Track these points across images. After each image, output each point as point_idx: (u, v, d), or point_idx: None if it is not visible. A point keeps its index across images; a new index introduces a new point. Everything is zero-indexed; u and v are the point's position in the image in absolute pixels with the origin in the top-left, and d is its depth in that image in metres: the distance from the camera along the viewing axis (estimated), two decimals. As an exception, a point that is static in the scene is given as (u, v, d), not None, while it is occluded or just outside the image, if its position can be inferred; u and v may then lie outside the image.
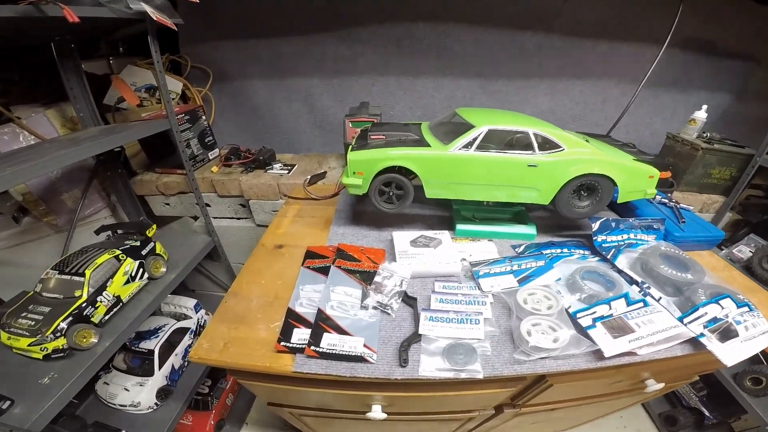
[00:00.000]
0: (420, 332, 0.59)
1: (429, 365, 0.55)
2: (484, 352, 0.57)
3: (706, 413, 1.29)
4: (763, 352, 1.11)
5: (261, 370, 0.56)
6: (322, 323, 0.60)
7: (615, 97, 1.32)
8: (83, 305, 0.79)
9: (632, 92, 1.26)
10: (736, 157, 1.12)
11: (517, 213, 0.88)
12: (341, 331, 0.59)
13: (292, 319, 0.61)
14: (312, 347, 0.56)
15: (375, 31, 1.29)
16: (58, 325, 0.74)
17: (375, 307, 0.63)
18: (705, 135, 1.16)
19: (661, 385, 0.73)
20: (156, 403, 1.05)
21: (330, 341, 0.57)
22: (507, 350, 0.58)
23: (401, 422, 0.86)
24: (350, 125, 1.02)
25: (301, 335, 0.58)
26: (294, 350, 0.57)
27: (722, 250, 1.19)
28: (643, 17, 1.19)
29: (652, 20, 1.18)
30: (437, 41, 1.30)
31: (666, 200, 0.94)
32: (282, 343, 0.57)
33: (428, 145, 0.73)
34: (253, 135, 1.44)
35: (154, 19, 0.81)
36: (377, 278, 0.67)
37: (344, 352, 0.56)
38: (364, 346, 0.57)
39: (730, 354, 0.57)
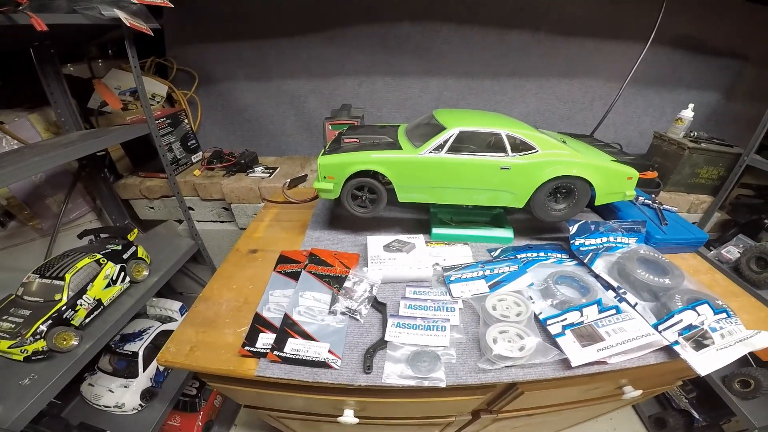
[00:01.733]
0: (386, 339, 0.58)
1: (392, 372, 0.55)
2: (449, 360, 0.56)
3: (696, 415, 1.28)
4: (751, 354, 1.11)
5: (225, 373, 0.56)
6: (287, 328, 0.59)
7: (603, 96, 1.30)
8: (63, 308, 0.80)
9: (619, 91, 1.24)
10: (724, 157, 1.11)
11: (496, 216, 0.87)
12: (307, 336, 0.59)
13: (259, 324, 0.61)
14: (275, 352, 0.56)
15: (361, 32, 1.28)
16: (38, 327, 0.75)
17: (343, 313, 0.63)
18: (692, 134, 1.15)
19: (639, 392, 0.72)
20: (140, 405, 1.06)
21: (294, 346, 0.57)
22: (473, 358, 0.57)
23: (379, 427, 0.86)
24: (330, 128, 1.01)
25: (266, 340, 0.58)
26: (258, 355, 0.56)
27: (711, 250, 1.17)
28: (629, 15, 1.18)
29: (638, 18, 1.17)
30: (424, 41, 1.29)
31: (649, 201, 0.93)
32: (246, 348, 0.57)
33: (401, 149, 0.72)
34: (239, 138, 1.44)
35: (128, 24, 0.81)
36: (347, 283, 0.67)
37: (308, 358, 0.56)
38: (329, 351, 0.57)
39: (704, 363, 0.56)
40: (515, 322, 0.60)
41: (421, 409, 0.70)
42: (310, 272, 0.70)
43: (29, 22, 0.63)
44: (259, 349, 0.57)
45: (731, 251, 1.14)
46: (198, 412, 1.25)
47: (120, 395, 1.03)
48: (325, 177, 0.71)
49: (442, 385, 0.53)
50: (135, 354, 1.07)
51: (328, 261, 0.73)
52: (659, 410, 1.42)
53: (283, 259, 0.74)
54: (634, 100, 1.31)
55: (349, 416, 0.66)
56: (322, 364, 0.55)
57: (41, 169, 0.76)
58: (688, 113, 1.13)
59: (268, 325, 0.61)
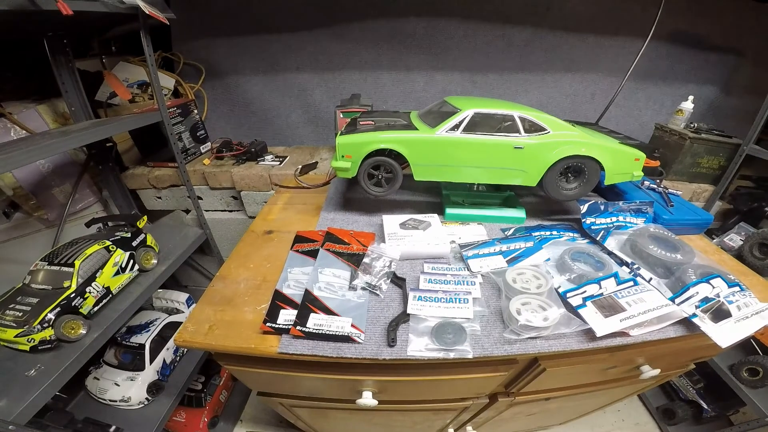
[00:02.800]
0: (408, 312, 0.58)
1: (417, 345, 0.54)
2: (473, 332, 0.56)
3: (704, 406, 1.28)
4: (758, 341, 1.12)
5: (246, 351, 0.55)
6: (309, 304, 0.59)
7: (604, 89, 1.33)
8: (72, 296, 0.78)
9: (620, 85, 1.27)
10: (724, 147, 1.13)
11: (507, 198, 0.88)
12: (328, 311, 0.59)
13: (279, 300, 0.61)
14: (298, 327, 0.55)
15: (367, 27, 1.30)
16: (46, 315, 0.73)
17: (363, 288, 0.63)
18: (693, 125, 1.18)
19: (657, 371, 0.72)
20: (147, 398, 1.03)
21: (317, 321, 0.57)
22: (497, 330, 0.57)
23: (394, 412, 0.85)
24: (341, 116, 1.03)
25: (287, 316, 0.58)
26: (280, 331, 0.56)
27: (713, 239, 1.19)
28: (629, 11, 1.21)
29: (637, 13, 1.20)
30: (429, 36, 1.32)
31: (655, 186, 0.95)
32: (268, 324, 0.56)
33: (417, 129, 0.74)
34: (246, 130, 1.44)
35: (147, 12, 0.81)
36: (366, 259, 0.67)
37: (331, 332, 0.55)
38: (352, 326, 0.56)
39: (724, 335, 0.55)
40: (536, 294, 0.60)
41: (441, 389, 0.70)
42: (328, 250, 0.70)
43: (55, 7, 0.64)
44: (280, 325, 0.57)
45: (734, 239, 1.15)
46: (204, 407, 1.23)
47: (126, 389, 1.01)
48: (343, 156, 0.71)
49: (469, 356, 0.53)
50: (142, 346, 1.05)
51: (345, 239, 0.73)
52: (666, 401, 1.42)
53: (299, 239, 0.74)
54: (634, 94, 1.34)
55: (367, 398, 0.65)
56: (346, 339, 0.55)
57: (55, 152, 0.76)
58: (688, 105, 1.16)
59: (289, 302, 0.61)
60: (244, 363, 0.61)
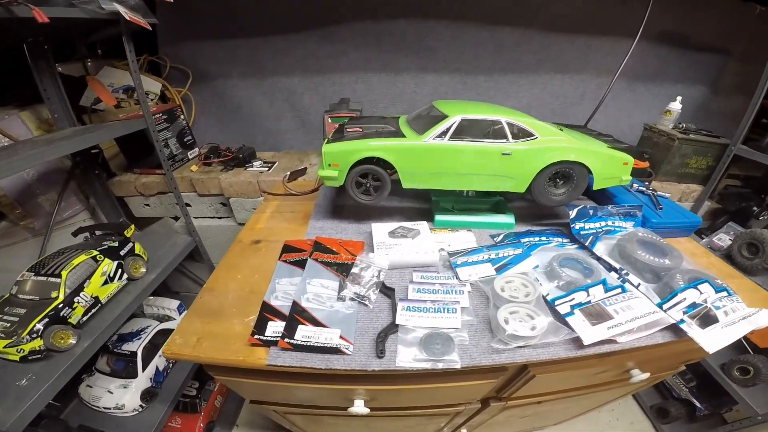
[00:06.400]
0: (397, 322, 0.58)
1: (406, 356, 0.54)
2: (461, 342, 0.56)
3: (698, 404, 1.29)
4: (748, 341, 1.14)
5: (234, 364, 0.55)
6: (297, 315, 0.59)
7: (593, 90, 1.33)
8: (60, 306, 0.77)
9: (609, 86, 1.28)
10: (712, 147, 1.14)
11: (496, 203, 0.88)
12: (317, 323, 0.58)
13: (267, 312, 0.61)
14: (285, 339, 0.55)
15: (356, 29, 1.29)
16: (34, 326, 0.73)
17: (352, 299, 0.63)
18: (681, 126, 1.18)
19: (647, 375, 0.72)
20: (141, 405, 1.03)
21: (305, 333, 0.56)
22: (485, 339, 0.57)
23: (387, 418, 0.86)
24: (329, 121, 1.02)
25: (275, 328, 0.58)
26: (268, 343, 0.56)
27: (703, 239, 1.20)
28: (617, 12, 1.21)
29: (626, 14, 1.20)
30: (418, 38, 1.31)
31: (643, 188, 0.95)
32: (256, 336, 0.56)
33: (404, 136, 0.73)
34: (234, 134, 1.43)
35: (128, 19, 0.80)
36: (354, 269, 0.67)
37: (319, 344, 0.55)
38: (340, 337, 0.56)
39: (711, 340, 0.56)
40: (524, 303, 0.60)
41: (432, 396, 0.70)
42: (316, 260, 0.69)
43: (30, 15, 0.62)
44: (269, 338, 0.56)
45: (722, 239, 1.17)
46: (199, 413, 1.23)
47: (120, 396, 1.01)
48: (329, 164, 0.71)
49: (457, 366, 0.53)
50: (134, 354, 1.04)
51: (334, 249, 0.72)
52: (660, 400, 1.43)
53: (287, 248, 0.74)
54: (623, 94, 1.35)
55: (359, 406, 0.65)
56: (334, 350, 0.55)
57: (39, 162, 0.75)
58: (676, 105, 1.17)
59: (277, 313, 0.60)
60: (233, 374, 0.61)
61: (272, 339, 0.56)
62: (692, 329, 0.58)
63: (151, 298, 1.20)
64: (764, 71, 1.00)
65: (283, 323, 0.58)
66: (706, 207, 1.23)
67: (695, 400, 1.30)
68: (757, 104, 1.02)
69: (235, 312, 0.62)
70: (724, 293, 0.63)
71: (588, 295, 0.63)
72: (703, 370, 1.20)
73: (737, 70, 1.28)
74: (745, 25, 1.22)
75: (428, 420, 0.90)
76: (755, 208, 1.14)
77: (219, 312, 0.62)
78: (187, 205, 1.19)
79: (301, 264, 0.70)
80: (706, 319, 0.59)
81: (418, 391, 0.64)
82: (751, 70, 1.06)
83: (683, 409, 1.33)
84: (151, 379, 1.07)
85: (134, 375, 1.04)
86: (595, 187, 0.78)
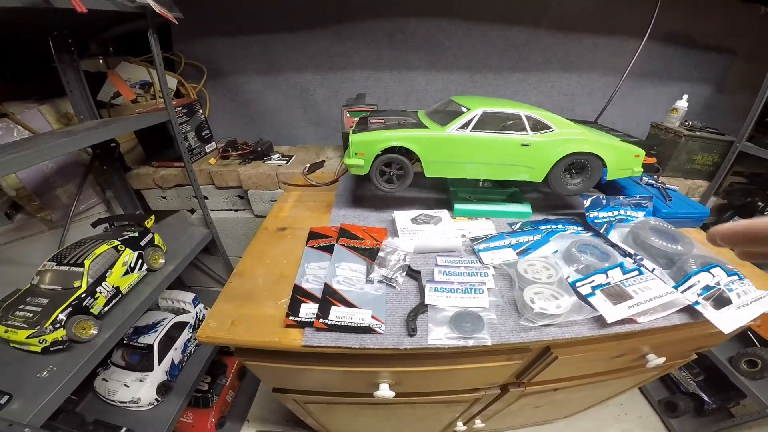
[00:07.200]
0: (426, 302, 0.60)
1: (437, 334, 0.56)
2: (490, 321, 0.58)
3: (706, 398, 1.30)
4: (755, 333, 1.16)
5: (270, 346, 0.56)
6: (329, 297, 0.61)
7: (601, 89, 1.37)
8: (82, 296, 0.78)
9: (617, 84, 1.31)
10: (718, 144, 1.18)
11: (512, 194, 0.91)
12: (348, 304, 0.60)
13: (299, 294, 0.62)
14: (321, 320, 0.57)
15: (368, 27, 1.32)
16: (57, 316, 0.72)
17: (380, 281, 0.64)
18: (687, 123, 1.22)
19: (662, 359, 0.74)
20: (157, 399, 1.03)
21: (338, 314, 0.58)
22: (512, 318, 0.59)
23: (405, 406, 0.87)
24: (348, 115, 1.04)
25: (308, 310, 0.59)
26: (303, 324, 0.57)
27: (708, 233, 1.23)
28: (625, 11, 1.25)
29: (633, 14, 1.24)
30: (429, 36, 1.34)
31: (653, 181, 0.98)
32: (291, 318, 0.58)
33: (426, 127, 0.75)
34: (248, 130, 1.44)
35: (157, 11, 0.82)
36: (381, 253, 0.68)
37: (353, 324, 0.57)
38: (372, 317, 0.58)
39: (727, 321, 0.58)
40: (548, 284, 0.62)
41: (457, 379, 0.71)
42: (342, 245, 0.71)
43: (68, 5, 0.64)
44: (303, 319, 0.58)
45: (727, 233, 1.20)
46: (211, 407, 1.23)
47: (136, 390, 1.01)
48: (356, 153, 0.73)
49: (488, 343, 0.55)
50: (150, 346, 1.05)
51: (359, 235, 0.74)
52: (668, 394, 1.44)
53: (313, 235, 0.76)
54: (630, 93, 1.38)
55: (384, 390, 0.66)
56: (368, 330, 0.56)
57: (62, 153, 0.75)
58: (682, 103, 1.21)
59: (309, 296, 0.62)
60: (265, 358, 0.62)
61: (307, 320, 0.57)
62: (707, 310, 0.60)
63: (166, 291, 1.20)
64: (769, 70, 1.04)
65: (317, 305, 0.59)
66: (712, 202, 1.26)
67: (703, 394, 1.31)
68: (762, 102, 1.06)
69: (267, 295, 0.63)
70: (736, 277, 0.65)
71: (607, 277, 0.65)
72: (710, 363, 1.21)
73: (743, 69, 1.32)
74: (752, 24, 1.25)
75: (446, 408, 0.91)
76: (760, 204, 1.17)
77: (251, 296, 0.64)
78: (205, 197, 1.20)
79: (328, 249, 0.71)
80: (720, 300, 0.61)
81: (443, 373, 0.66)
82: (757, 69, 1.09)
83: (692, 403, 1.34)
84: (166, 372, 1.07)
85: (150, 368, 1.04)
86: (608, 178, 0.81)
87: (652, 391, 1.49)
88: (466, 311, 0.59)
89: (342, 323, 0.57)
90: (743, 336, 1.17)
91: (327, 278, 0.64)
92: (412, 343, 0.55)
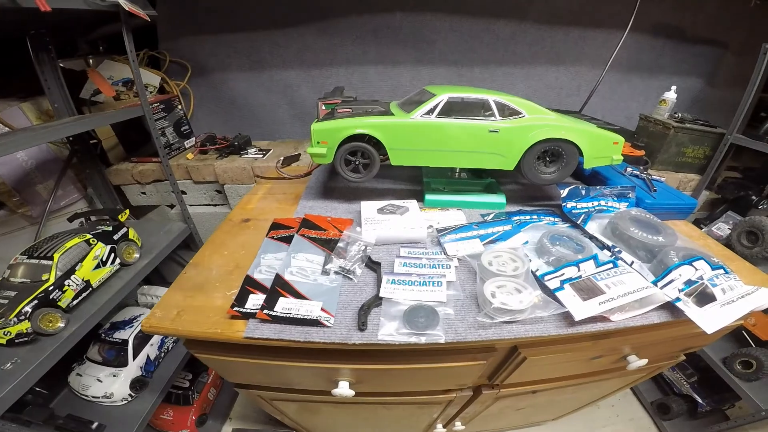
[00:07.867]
0: (381, 295, 0.57)
1: (388, 329, 0.53)
2: (446, 316, 0.55)
3: (699, 400, 1.26)
4: (750, 333, 1.10)
5: (212, 337, 0.54)
6: (278, 288, 0.58)
7: (589, 81, 1.33)
8: (50, 288, 0.77)
9: (605, 77, 1.28)
10: (708, 136, 1.13)
11: (488, 185, 0.88)
12: (298, 295, 0.57)
13: (250, 285, 0.60)
14: (265, 311, 0.54)
15: (353, 23, 1.31)
16: (23, 308, 0.72)
17: (337, 272, 0.62)
18: (677, 115, 1.17)
19: (644, 361, 0.69)
20: (130, 395, 1.02)
21: (285, 305, 0.55)
22: (471, 315, 0.55)
23: (379, 406, 0.84)
24: (324, 107, 1.02)
25: (256, 301, 0.57)
26: (247, 315, 0.55)
27: (701, 228, 1.18)
28: (610, 4, 1.22)
29: (619, 6, 1.21)
30: (414, 31, 1.32)
31: (638, 172, 0.94)
32: (235, 308, 0.55)
33: (393, 115, 0.73)
34: (232, 127, 1.45)
35: (127, 9, 0.82)
36: (340, 244, 0.66)
37: (299, 316, 0.54)
38: (322, 309, 0.55)
39: (709, 320, 0.53)
40: (512, 277, 0.59)
41: (420, 379, 0.68)
42: (303, 236, 0.69)
43: (34, 5, 0.64)
44: (248, 310, 0.55)
45: (721, 228, 1.14)
46: (191, 405, 1.21)
47: (109, 385, 1.00)
48: (318, 142, 0.71)
49: (441, 341, 0.51)
50: (125, 342, 1.04)
51: (322, 225, 0.72)
52: (661, 396, 1.40)
53: (275, 226, 0.74)
54: (619, 86, 1.34)
55: (344, 388, 0.63)
56: (314, 322, 0.54)
57: (36, 143, 0.75)
58: (671, 95, 1.16)
59: (259, 287, 0.60)
60: (212, 350, 0.60)
61: (251, 311, 0.55)
62: (689, 307, 0.55)
63: (145, 287, 1.20)
64: (757, 62, 0.99)
65: (264, 296, 0.57)
66: (704, 197, 1.21)
67: (697, 396, 1.27)
68: (752, 93, 1.01)
69: (218, 286, 0.62)
70: (721, 270, 0.60)
71: (578, 270, 0.61)
72: (704, 364, 1.16)
73: (735, 61, 1.28)
74: (744, 16, 1.21)
75: (420, 409, 0.88)
76: (754, 198, 1.12)
77: (202, 286, 0.62)
78: (183, 192, 1.20)
79: (287, 240, 0.69)
80: (703, 297, 0.56)
81: (404, 372, 0.62)
82: (749, 61, 1.04)
83: (685, 405, 1.30)
84: (141, 368, 1.06)
85: (124, 363, 1.03)
86: (586, 166, 0.77)
87: (645, 392, 1.43)
88: (420, 305, 0.55)
89: (287, 315, 0.54)
90: (738, 336, 1.12)
91: (280, 269, 0.62)
92: (361, 338, 0.52)
